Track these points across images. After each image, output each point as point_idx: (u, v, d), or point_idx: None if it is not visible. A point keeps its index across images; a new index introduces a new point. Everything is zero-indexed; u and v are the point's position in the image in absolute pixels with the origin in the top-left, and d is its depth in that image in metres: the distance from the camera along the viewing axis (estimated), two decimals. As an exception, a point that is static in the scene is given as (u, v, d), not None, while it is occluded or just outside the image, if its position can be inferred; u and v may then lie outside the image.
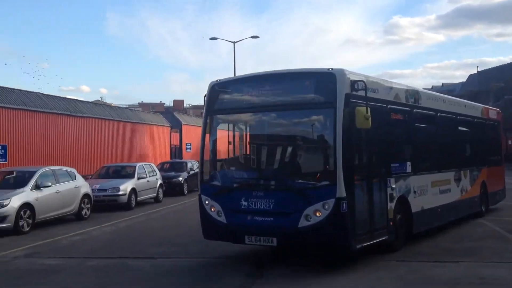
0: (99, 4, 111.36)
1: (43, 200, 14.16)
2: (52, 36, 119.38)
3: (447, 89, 59.99)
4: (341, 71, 8.24)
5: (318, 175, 8.35)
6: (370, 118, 8.04)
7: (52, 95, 24.44)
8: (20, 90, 21.78)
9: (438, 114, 11.83)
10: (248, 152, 9.72)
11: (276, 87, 8.78)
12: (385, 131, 9.37)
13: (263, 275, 8.31)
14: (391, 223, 9.16)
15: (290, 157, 9.07)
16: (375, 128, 8.59)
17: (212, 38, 38.43)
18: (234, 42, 38.48)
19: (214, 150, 9.41)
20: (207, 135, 9.31)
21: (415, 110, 10.70)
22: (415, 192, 10.24)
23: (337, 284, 7.64)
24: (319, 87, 8.44)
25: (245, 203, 8.48)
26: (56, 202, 14.66)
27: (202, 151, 9.36)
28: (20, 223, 13.24)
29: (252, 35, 39.86)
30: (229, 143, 9.59)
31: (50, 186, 14.50)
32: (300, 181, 8.49)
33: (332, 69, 8.28)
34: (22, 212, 13.32)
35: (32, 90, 22.81)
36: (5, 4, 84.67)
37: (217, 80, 9.39)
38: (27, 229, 13.42)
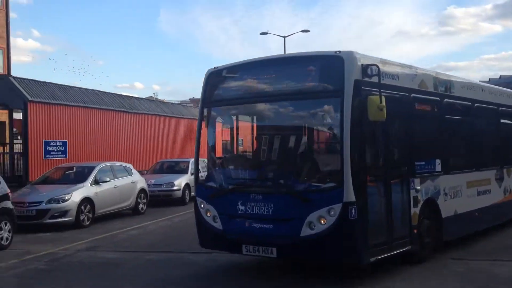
0: (154, 2, 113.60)
1: (102, 195, 14.66)
2: (107, 34, 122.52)
3: (505, 81, 57.58)
4: (350, 54, 7.19)
5: (323, 175, 7.36)
6: (384, 109, 6.95)
7: (108, 92, 25.17)
8: (79, 88, 22.55)
9: (476, 104, 10.41)
10: (246, 149, 8.99)
11: (278, 74, 7.78)
12: (408, 124, 8.24)
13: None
14: (414, 231, 8.00)
15: (291, 155, 8.11)
16: (394, 120, 7.79)
17: (262, 33, 38.45)
18: (284, 37, 38.42)
19: (211, 147, 8.49)
20: (203, 130, 8.41)
21: (446, 100, 9.38)
22: (446, 194, 8.97)
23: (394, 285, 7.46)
24: (324, 73, 7.40)
25: (242, 208, 7.53)
26: (114, 197, 15.13)
27: (197, 148, 8.51)
28: (81, 217, 13.77)
29: (302, 29, 39.86)
30: (228, 138, 8.74)
31: (108, 181, 14.99)
32: (302, 182, 7.41)
33: (339, 51, 7.23)
34: (82, 207, 13.86)
35: (91, 88, 23.58)
36: (62, 3, 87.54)
37: (214, 67, 8.41)
38: (87, 223, 13.95)
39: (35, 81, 19.60)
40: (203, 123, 8.38)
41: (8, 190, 11.70)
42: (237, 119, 8.74)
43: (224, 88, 8.30)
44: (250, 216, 7.46)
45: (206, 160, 8.79)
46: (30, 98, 18.13)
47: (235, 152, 9.02)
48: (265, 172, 8.01)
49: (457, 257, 8.89)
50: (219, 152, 8.73)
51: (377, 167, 7.71)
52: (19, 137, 20.78)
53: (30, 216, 13.25)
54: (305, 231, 7.01)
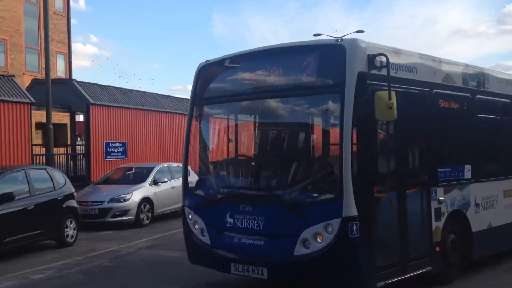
0: (206, 5, 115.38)
1: (160, 195, 15.01)
2: (161, 39, 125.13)
3: None
4: (353, 42, 6.19)
5: (319, 185, 6.37)
6: (395, 107, 5.88)
7: (164, 95, 25.71)
8: (137, 91, 23.16)
9: None
10: (236, 153, 7.87)
11: (272, 67, 6.79)
12: (429, 125, 7.10)
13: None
14: (437, 249, 6.96)
15: (284, 160, 7.09)
16: (412, 120, 6.79)
17: (316, 35, 38.22)
18: (338, 38, 38.18)
19: (201, 150, 7.65)
20: (193, 130, 7.52)
21: (478, 96, 8.13)
22: (477, 205, 7.81)
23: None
24: (323, 64, 6.39)
25: (231, 220, 6.64)
26: (171, 197, 15.43)
27: (185, 151, 7.48)
28: (141, 216, 14.17)
29: (355, 29, 39.39)
30: (218, 140, 7.94)
31: (166, 181, 15.32)
32: (296, 192, 6.36)
33: (341, 39, 6.35)
34: (142, 206, 14.26)
35: (148, 91, 24.18)
36: (118, 10, 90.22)
37: (206, 61, 7.53)
38: (147, 222, 14.35)
39: (96, 84, 20.26)
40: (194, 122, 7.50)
41: (73, 190, 12.19)
42: (228, 119, 7.86)
43: (214, 84, 7.42)
44: (239, 231, 6.58)
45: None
46: (92, 101, 18.76)
47: (225, 156, 7.89)
48: (255, 180, 6.99)
49: (490, 277, 7.90)
50: (210, 156, 7.76)
51: (387, 175, 6.66)
52: (78, 139, 21.53)
53: (93, 214, 13.73)
54: (299, 250, 6.08)
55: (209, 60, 7.48)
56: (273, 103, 7.01)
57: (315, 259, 5.99)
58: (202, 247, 7.03)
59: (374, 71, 6.20)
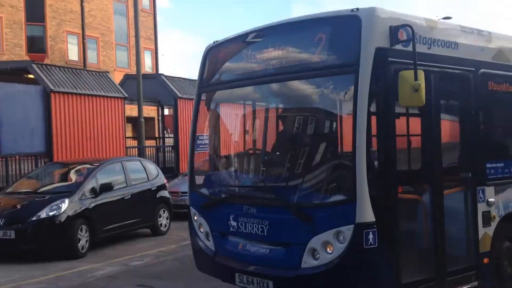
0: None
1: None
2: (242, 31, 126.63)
3: None
4: (370, 12, 5.05)
5: (330, 183, 5.29)
6: (422, 89, 4.82)
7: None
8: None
9: None
10: (242, 146, 7.01)
11: (281, 46, 5.71)
12: (474, 111, 5.94)
13: None
14: (485, 260, 5.84)
15: (290, 154, 5.95)
16: (450, 106, 5.92)
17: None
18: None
19: (211, 143, 6.84)
20: (199, 120, 6.65)
21: None
22: None
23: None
24: (336, 40, 5.27)
25: (234, 224, 5.74)
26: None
27: (191, 143, 6.66)
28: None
29: (443, 16, 37.77)
30: (226, 131, 7.01)
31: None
32: (302, 192, 5.34)
33: (357, 9, 5.11)
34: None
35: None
36: (199, 5, 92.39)
37: (214, 42, 6.58)
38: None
39: (183, 78, 20.84)
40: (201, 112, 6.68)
41: (165, 181, 12.63)
42: (235, 107, 6.98)
43: (221, 67, 6.53)
44: (243, 236, 5.66)
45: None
46: (179, 95, 19.31)
47: (232, 149, 7.06)
48: (259, 177, 6.12)
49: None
50: (217, 149, 6.94)
51: (418, 172, 5.71)
52: (165, 132, 22.25)
53: (184, 205, 14.11)
54: (307, 261, 5.08)
55: (217, 41, 6.55)
56: (278, 88, 5.99)
57: (324, 273, 4.98)
58: (207, 254, 6.15)
59: (398, 47, 5.06)
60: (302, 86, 5.76)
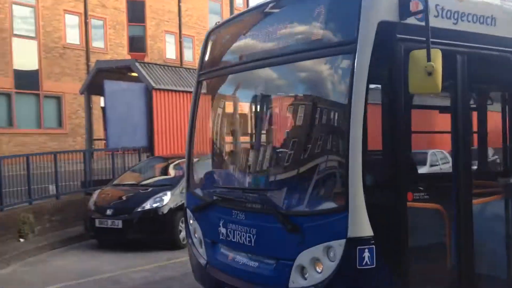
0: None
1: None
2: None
3: None
4: None
5: (319, 188, 4.33)
6: (438, 72, 3.81)
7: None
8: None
9: None
10: (236, 140, 6.15)
11: (279, 24, 4.77)
12: None
13: None
14: None
15: (278, 151, 5.06)
16: (485, 94, 5.01)
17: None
18: None
19: (205, 136, 6.03)
20: (199, 112, 5.84)
21: None
22: None
23: None
24: (333, 15, 4.32)
25: (224, 231, 4.94)
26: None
27: (189, 136, 5.89)
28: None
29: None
30: (223, 124, 6.03)
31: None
32: (290, 198, 4.47)
33: None
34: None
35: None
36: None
37: (216, 23, 5.86)
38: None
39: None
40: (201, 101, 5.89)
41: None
42: (233, 96, 6.06)
43: (220, 52, 5.67)
44: (232, 246, 4.89)
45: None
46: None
47: (228, 144, 6.22)
48: (248, 178, 5.25)
49: None
50: (213, 144, 6.08)
51: (433, 176, 4.81)
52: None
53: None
54: (295, 281, 4.19)
55: (219, 22, 5.84)
56: (273, 73, 4.98)
57: None
58: (200, 263, 5.45)
59: (410, 20, 4.05)
60: (294, 73, 4.81)
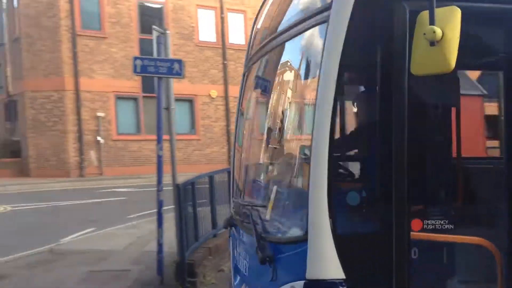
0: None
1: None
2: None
3: None
4: None
5: (287, 206, 3.29)
6: (449, 43, 2.35)
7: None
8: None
9: None
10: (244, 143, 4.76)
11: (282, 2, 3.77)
12: None
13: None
14: None
15: (260, 158, 4.04)
16: None
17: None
18: None
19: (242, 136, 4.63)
20: (243, 105, 4.50)
21: None
22: None
23: None
24: None
25: (235, 253, 4.04)
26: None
27: (235, 137, 4.77)
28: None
29: None
30: (244, 123, 4.63)
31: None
32: (267, 219, 3.28)
33: None
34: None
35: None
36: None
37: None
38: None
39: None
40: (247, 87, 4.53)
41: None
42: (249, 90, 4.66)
43: (256, 31, 4.39)
44: (240, 272, 3.85)
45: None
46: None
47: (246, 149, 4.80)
48: (247, 190, 4.19)
49: None
50: (242, 149, 4.70)
51: (447, 191, 3.17)
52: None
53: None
54: None
55: None
56: (268, 56, 3.83)
57: None
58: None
59: None
60: (281, 52, 3.57)
